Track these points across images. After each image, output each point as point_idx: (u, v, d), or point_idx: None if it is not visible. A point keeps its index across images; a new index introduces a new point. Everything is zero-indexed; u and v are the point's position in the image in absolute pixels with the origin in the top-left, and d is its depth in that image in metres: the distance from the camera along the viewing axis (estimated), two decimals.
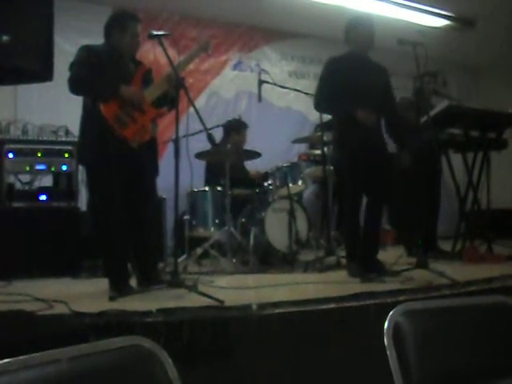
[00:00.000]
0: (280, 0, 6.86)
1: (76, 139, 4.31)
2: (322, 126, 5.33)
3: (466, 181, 5.48)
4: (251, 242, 5.14)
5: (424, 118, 4.67)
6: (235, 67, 7.83)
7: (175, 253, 3.77)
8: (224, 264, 4.95)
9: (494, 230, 5.62)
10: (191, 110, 3.59)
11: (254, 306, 2.98)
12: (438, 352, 1.53)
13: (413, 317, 1.54)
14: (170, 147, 4.71)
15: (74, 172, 4.94)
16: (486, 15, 7.38)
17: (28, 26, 2.84)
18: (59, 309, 2.94)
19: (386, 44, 4.59)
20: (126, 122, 3.61)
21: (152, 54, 6.40)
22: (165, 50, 3.61)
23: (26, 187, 4.95)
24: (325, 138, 5.37)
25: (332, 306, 3.11)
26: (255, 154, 5.58)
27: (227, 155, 5.18)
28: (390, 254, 4.97)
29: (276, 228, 5.18)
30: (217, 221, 5.36)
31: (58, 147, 4.95)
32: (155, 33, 3.69)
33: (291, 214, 5.16)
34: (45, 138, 4.96)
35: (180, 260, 4.61)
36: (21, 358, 1.11)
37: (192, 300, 3.18)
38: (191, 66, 6.07)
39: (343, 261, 4.73)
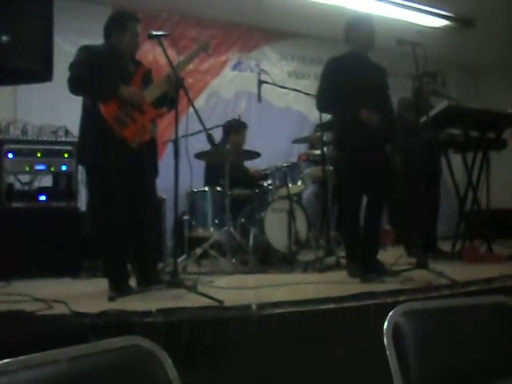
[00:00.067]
0: (280, 0, 6.86)
1: (76, 139, 4.31)
2: (322, 126, 5.33)
3: (465, 181, 5.49)
4: (251, 242, 5.13)
5: (423, 119, 4.68)
6: (235, 67, 7.83)
7: (175, 253, 3.77)
8: (223, 264, 4.95)
9: (493, 230, 5.62)
10: (191, 110, 3.59)
11: (254, 306, 2.98)
12: (437, 352, 1.53)
13: (412, 317, 1.54)
14: (170, 147, 4.70)
15: (74, 172, 4.94)
16: (485, 15, 7.38)
17: (28, 26, 2.84)
18: (59, 309, 2.94)
19: (385, 44, 4.59)
20: (125, 122, 3.61)
21: (151, 55, 6.40)
22: (164, 51, 3.61)
23: (26, 187, 4.95)
24: (324, 138, 5.36)
25: (332, 306, 3.11)
26: (255, 155, 5.58)
27: (227, 155, 5.18)
28: (390, 254, 4.97)
29: (275, 228, 5.18)
30: (216, 221, 5.36)
31: (57, 147, 4.94)
32: (155, 33, 3.69)
33: (291, 214, 5.16)
34: (44, 139, 4.95)
35: (179, 260, 4.61)
36: (20, 358, 1.11)
37: (191, 300, 3.18)
38: (191, 66, 6.06)
39: (343, 261, 4.73)
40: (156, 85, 3.85)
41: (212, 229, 5.35)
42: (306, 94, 5.51)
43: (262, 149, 5.64)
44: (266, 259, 5.30)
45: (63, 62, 3.63)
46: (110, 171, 3.62)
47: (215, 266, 5.12)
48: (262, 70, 5.78)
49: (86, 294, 3.69)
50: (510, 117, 5.29)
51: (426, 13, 7.39)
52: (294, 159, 6.48)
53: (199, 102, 7.02)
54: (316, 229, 6.01)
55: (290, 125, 7.91)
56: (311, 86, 7.54)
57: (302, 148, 7.12)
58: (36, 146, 4.88)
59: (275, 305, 3.04)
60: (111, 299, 3.28)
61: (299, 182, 5.71)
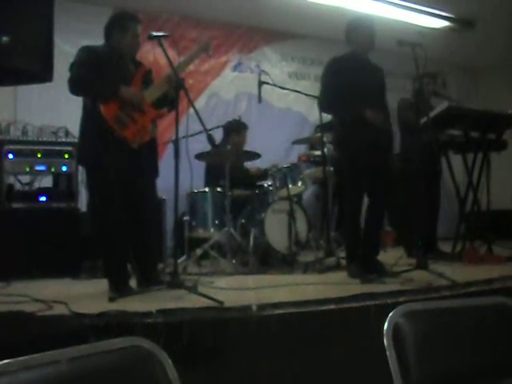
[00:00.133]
0: (280, 1, 6.86)
1: (76, 140, 4.31)
2: (322, 127, 5.33)
3: (465, 182, 5.49)
4: (251, 242, 5.13)
5: (424, 119, 4.68)
6: (235, 68, 7.83)
7: (175, 253, 3.77)
8: (224, 265, 4.95)
9: (493, 231, 5.62)
10: (191, 110, 3.59)
11: (254, 307, 2.98)
12: (437, 353, 1.53)
13: (412, 318, 1.54)
14: (170, 148, 4.72)
15: (74, 173, 4.94)
16: (485, 16, 7.38)
17: (28, 26, 2.84)
18: (59, 309, 2.94)
19: (385, 45, 4.59)
20: (126, 122, 3.61)
21: (152, 55, 6.40)
22: (164, 51, 3.61)
23: (26, 188, 4.95)
24: (325, 139, 5.36)
25: (332, 306, 3.11)
26: (255, 155, 5.58)
27: (227, 156, 5.18)
28: (390, 255, 4.97)
29: (276, 229, 5.18)
30: (216, 222, 5.36)
31: (57, 148, 4.95)
32: (155, 34, 3.69)
33: (291, 215, 5.16)
34: (45, 139, 4.96)
35: (180, 261, 4.61)
36: (20, 358, 1.11)
37: (192, 301, 3.18)
38: (191, 67, 6.07)
39: (343, 262, 4.73)
40: (156, 85, 3.85)
41: (212, 229, 5.35)
42: (306, 94, 5.51)
43: (262, 149, 5.64)
44: (266, 260, 5.30)
45: (63, 63, 3.64)
46: (110, 172, 3.62)
47: (215, 266, 5.12)
48: (263, 71, 5.78)
49: (86, 295, 3.69)
50: (511, 118, 5.29)
51: (426, 14, 7.40)
52: (294, 160, 6.48)
53: (199, 103, 7.03)
54: (316, 230, 6.01)
55: (290, 125, 7.92)
56: (311, 86, 7.56)
57: (302, 149, 7.12)
58: (36, 147, 4.88)
59: (275, 306, 3.04)
60: (111, 300, 3.28)
61: (299, 183, 5.71)
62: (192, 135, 4.43)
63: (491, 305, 1.72)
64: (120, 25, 3.79)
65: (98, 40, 3.88)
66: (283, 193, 5.47)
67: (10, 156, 4.77)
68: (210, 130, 4.04)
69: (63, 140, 5.01)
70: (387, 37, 4.53)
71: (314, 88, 6.97)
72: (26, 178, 4.99)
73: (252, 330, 2.86)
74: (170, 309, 2.90)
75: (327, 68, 4.49)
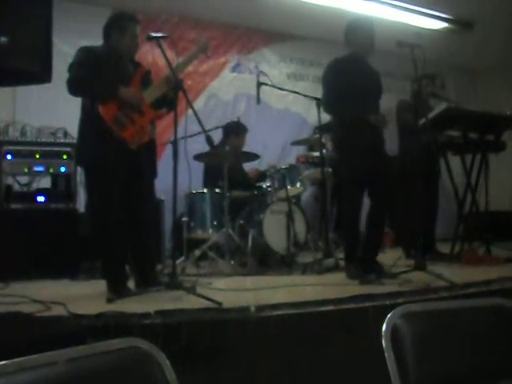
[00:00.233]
0: (279, 2, 6.87)
1: (74, 141, 4.31)
2: (321, 128, 5.33)
3: (464, 183, 5.49)
4: (249, 243, 5.13)
5: (422, 121, 4.68)
6: (234, 69, 7.83)
7: (173, 254, 3.77)
8: (222, 266, 4.95)
9: (492, 232, 5.62)
10: (190, 111, 3.59)
11: (253, 308, 2.98)
12: (436, 354, 1.53)
13: (411, 319, 1.54)
14: (169, 149, 4.70)
15: (73, 173, 4.94)
16: (484, 18, 7.39)
17: (26, 27, 2.83)
18: (57, 310, 2.94)
19: (384, 46, 4.60)
20: (124, 123, 3.61)
21: (151, 56, 6.40)
22: (163, 52, 3.61)
23: (25, 189, 4.95)
24: (323, 140, 5.37)
25: (330, 307, 3.11)
26: (254, 156, 5.58)
27: (225, 157, 5.18)
28: (389, 256, 4.97)
29: (274, 230, 5.18)
30: (215, 223, 5.36)
31: (56, 149, 4.94)
32: (154, 35, 3.69)
33: (289, 216, 5.16)
34: (43, 140, 4.95)
35: (178, 262, 4.61)
36: (18, 359, 1.11)
37: (190, 302, 3.17)
38: (190, 68, 6.06)
39: (342, 263, 4.72)
40: (155, 86, 3.85)
41: (211, 230, 5.35)
42: (304, 95, 5.51)
43: (260, 150, 5.64)
44: (265, 261, 5.30)
45: (62, 63, 3.64)
46: (109, 172, 3.61)
47: (214, 267, 5.11)
48: (261, 72, 5.78)
49: (84, 296, 3.69)
50: (509, 119, 5.30)
51: (425, 15, 7.40)
52: (293, 161, 6.49)
53: (198, 104, 7.02)
54: (315, 231, 6.01)
55: (289, 127, 7.92)
56: (310, 88, 7.58)
57: (301, 150, 7.13)
58: (35, 148, 4.88)
59: (274, 307, 3.04)
60: (109, 301, 3.27)
61: (298, 184, 5.71)
62: (191, 136, 4.43)
63: (489, 306, 1.71)
64: (119, 25, 3.79)
65: (96, 40, 3.88)
66: (282, 194, 5.46)
67: (9, 157, 4.77)
68: (209, 130, 4.05)
69: (62, 141, 5.00)
70: (386, 38, 4.53)
71: (313, 89, 7.01)
72: (24, 179, 4.99)
73: (250, 331, 2.86)
74: (169, 310, 2.90)
75: (329, 69, 4.47)
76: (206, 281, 4.27)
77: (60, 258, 4.62)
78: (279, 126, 7.86)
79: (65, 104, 4.74)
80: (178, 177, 3.53)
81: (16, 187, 4.93)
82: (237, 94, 7.75)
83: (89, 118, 3.66)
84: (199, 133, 3.92)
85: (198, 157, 5.21)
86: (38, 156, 4.86)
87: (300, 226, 5.33)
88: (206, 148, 4.67)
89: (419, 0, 7.02)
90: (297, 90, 5.99)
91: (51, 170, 4.92)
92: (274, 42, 8.13)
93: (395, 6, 7.09)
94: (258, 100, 5.32)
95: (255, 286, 4.11)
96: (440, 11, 7.39)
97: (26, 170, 4.85)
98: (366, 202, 4.45)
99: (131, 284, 3.73)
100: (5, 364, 1.09)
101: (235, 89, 7.77)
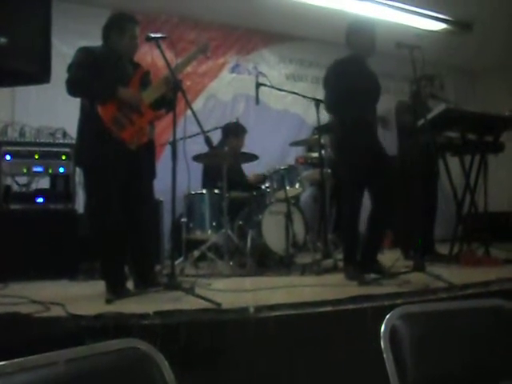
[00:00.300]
0: (278, 3, 6.87)
1: (73, 141, 4.30)
2: (320, 129, 5.33)
3: (463, 184, 5.49)
4: (248, 244, 5.13)
5: (421, 122, 4.68)
6: (233, 70, 7.83)
7: (172, 255, 3.77)
8: (221, 267, 4.95)
9: (491, 233, 5.62)
10: (189, 112, 3.59)
11: (251, 309, 2.97)
12: (434, 355, 1.53)
13: (409, 320, 1.54)
14: (168, 149, 4.71)
15: (72, 174, 4.93)
16: (483, 19, 7.40)
17: (26, 27, 2.84)
18: (56, 311, 2.93)
19: (383, 47, 4.59)
20: (123, 124, 3.61)
21: (150, 57, 6.39)
22: (162, 53, 3.60)
23: (23, 189, 4.95)
24: (322, 141, 5.37)
25: (329, 308, 3.11)
26: (252, 157, 5.58)
27: (224, 158, 5.18)
28: (387, 257, 4.97)
29: (273, 231, 5.18)
30: (214, 223, 5.36)
31: (55, 149, 4.94)
32: (153, 35, 3.69)
33: (288, 217, 5.16)
34: (42, 140, 4.95)
35: (177, 262, 4.61)
36: (17, 360, 1.11)
37: (189, 303, 3.17)
38: (189, 69, 6.07)
39: (340, 264, 4.72)
40: (154, 87, 3.85)
41: (210, 231, 5.35)
42: (303, 96, 5.51)
43: (259, 151, 5.64)
44: (264, 262, 5.30)
45: (61, 64, 3.64)
46: (108, 173, 3.61)
47: (213, 268, 5.11)
48: (260, 73, 5.78)
49: (83, 297, 3.69)
50: (508, 120, 5.30)
51: (425, 16, 7.41)
52: (292, 162, 6.49)
53: (197, 105, 7.03)
54: (313, 232, 6.01)
55: (288, 127, 7.92)
56: (309, 88, 7.59)
57: (300, 151, 7.13)
58: (34, 148, 4.88)
59: (272, 307, 3.04)
60: (108, 301, 3.27)
61: (297, 185, 5.71)
62: (190, 137, 4.44)
63: (488, 307, 1.72)
64: (118, 26, 3.79)
65: (95, 41, 3.88)
66: (281, 195, 5.46)
67: (8, 157, 4.77)
68: (208, 131, 4.05)
69: (61, 141, 5.00)
70: (385, 39, 4.53)
71: (312, 90, 7.02)
72: (23, 180, 4.99)
73: (249, 332, 2.85)
74: (167, 310, 2.90)
75: (330, 70, 4.47)
76: (205, 281, 4.26)
77: (59, 258, 4.62)
78: (278, 127, 7.86)
79: (64, 104, 4.74)
80: (176, 177, 3.52)
81: (15, 188, 4.93)
82: (236, 95, 7.75)
83: (88, 119, 3.66)
84: (198, 133, 3.92)
85: (196, 157, 5.21)
86: (36, 156, 4.86)
87: (299, 227, 5.33)
88: (204, 149, 4.66)
89: (418, 1, 7.03)
90: (296, 91, 5.99)
91: (50, 171, 4.92)
92: (273, 43, 8.14)
93: (394, 7, 7.09)
94: (257, 101, 5.32)
95: (254, 286, 4.10)
96: (439, 12, 7.40)
97: (24, 171, 4.85)
98: (366, 202, 4.45)
99: (130, 285, 3.73)
100: (4, 365, 1.09)
101: (234, 89, 7.77)
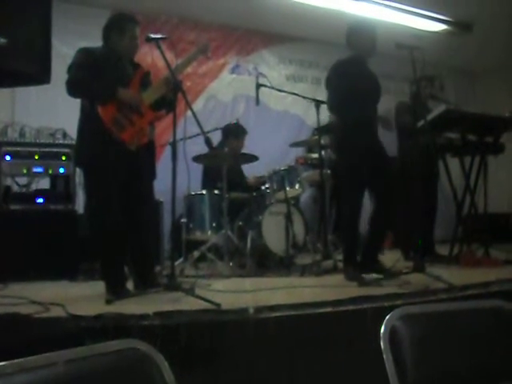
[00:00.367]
0: (278, 4, 6.87)
1: (73, 142, 4.30)
2: (320, 130, 5.33)
3: (463, 185, 5.49)
4: (248, 245, 5.13)
5: (421, 122, 4.68)
6: (233, 70, 7.83)
7: (172, 256, 3.77)
8: (221, 267, 4.95)
9: (491, 234, 5.62)
10: (189, 113, 3.59)
11: (251, 310, 2.97)
12: (434, 356, 1.53)
13: (409, 321, 1.54)
14: (168, 150, 4.71)
15: (72, 175, 4.93)
16: (483, 20, 7.40)
17: (26, 28, 2.83)
18: (56, 312, 2.93)
19: (383, 48, 4.60)
20: (123, 124, 3.61)
21: (150, 57, 6.39)
22: (162, 53, 3.60)
23: (23, 190, 4.95)
24: (322, 142, 5.36)
25: (329, 309, 3.11)
26: (252, 158, 5.57)
27: (224, 159, 5.18)
28: (388, 258, 4.97)
29: (273, 231, 5.18)
30: (214, 224, 5.35)
31: (55, 150, 4.94)
32: (153, 36, 3.69)
33: (288, 218, 5.16)
34: (42, 141, 4.95)
35: (177, 263, 4.61)
36: (16, 361, 1.11)
37: (189, 303, 3.17)
38: (189, 69, 6.07)
39: (340, 265, 4.73)
40: (154, 87, 3.85)
41: (209, 232, 5.34)
42: (303, 97, 5.51)
43: (259, 152, 5.64)
44: (264, 262, 5.30)
45: (61, 65, 3.64)
46: (108, 174, 3.61)
47: (213, 269, 5.11)
48: (260, 74, 5.78)
49: (83, 297, 3.69)
50: (508, 121, 5.30)
51: (425, 17, 7.41)
52: (292, 162, 6.48)
53: (197, 105, 7.03)
54: (313, 232, 6.01)
55: (288, 128, 7.92)
56: (309, 89, 7.60)
57: (300, 151, 7.12)
58: (34, 149, 4.87)
59: (272, 308, 3.04)
60: (108, 302, 3.27)
61: (297, 186, 5.70)
62: (190, 137, 4.44)
63: (488, 308, 1.72)
64: (118, 26, 3.79)
65: (96, 42, 3.88)
66: (280, 195, 5.46)
67: (8, 158, 4.76)
68: (208, 132, 4.05)
69: (61, 142, 5.00)
70: (385, 40, 4.53)
71: (312, 91, 7.03)
72: (23, 180, 4.99)
73: (249, 333, 2.85)
74: (167, 311, 2.90)
75: (332, 71, 4.47)
76: (205, 282, 4.26)
77: (59, 259, 4.62)
78: (278, 128, 7.86)
79: (64, 105, 4.74)
80: (176, 178, 3.53)
81: (15, 188, 4.93)
82: (236, 96, 7.76)
83: (88, 119, 3.66)
84: (198, 134, 3.92)
85: (196, 158, 5.21)
86: (36, 157, 4.86)
87: (299, 228, 5.33)
88: (204, 149, 4.66)
89: (418, 2, 7.04)
90: (296, 92, 5.99)
91: (50, 171, 4.92)
92: (273, 44, 8.14)
93: (394, 8, 7.09)
94: (257, 101, 5.32)
95: (254, 287, 4.10)
96: (439, 13, 7.40)
97: (24, 171, 4.85)
98: (366, 203, 4.45)
99: (130, 285, 3.73)
100: (3, 365, 1.09)
101: (234, 90, 7.77)
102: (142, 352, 1.25)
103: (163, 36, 3.77)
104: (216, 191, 5.44)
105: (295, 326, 2.98)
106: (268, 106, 7.63)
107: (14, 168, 4.81)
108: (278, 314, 2.98)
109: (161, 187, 4.24)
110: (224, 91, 7.72)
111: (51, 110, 5.93)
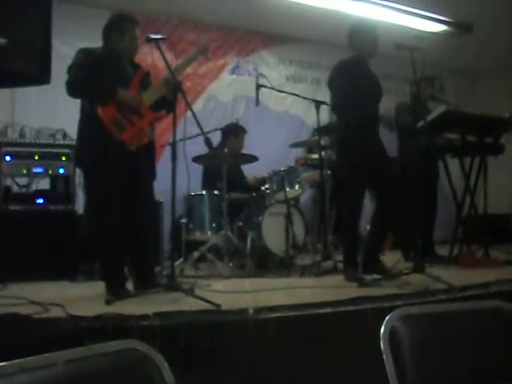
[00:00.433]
0: (278, 4, 6.87)
1: (73, 142, 4.30)
2: (320, 130, 5.33)
3: (463, 185, 5.49)
4: (248, 246, 5.13)
5: (421, 123, 4.69)
6: (233, 71, 7.83)
7: (172, 256, 3.78)
8: (221, 268, 4.95)
9: (490, 235, 5.62)
10: (189, 113, 3.59)
11: (251, 310, 2.97)
12: (434, 357, 1.53)
13: (409, 321, 1.54)
14: (168, 151, 4.71)
15: (72, 175, 4.93)
16: (483, 21, 7.40)
17: (26, 28, 2.83)
18: (55, 312, 2.93)
19: (383, 49, 4.60)
20: (123, 125, 3.61)
21: (150, 58, 6.39)
22: (162, 54, 3.60)
23: (23, 190, 4.94)
24: (322, 143, 5.36)
25: (329, 310, 3.11)
26: (252, 158, 5.57)
27: (224, 159, 5.18)
28: (388, 259, 4.96)
29: (273, 232, 5.18)
30: (214, 225, 5.35)
31: (55, 150, 4.94)
32: (153, 36, 3.69)
33: (288, 219, 5.16)
34: (42, 141, 4.95)
35: (177, 264, 4.61)
36: (16, 361, 1.11)
37: (189, 304, 3.17)
38: (189, 70, 6.07)
39: (340, 265, 4.72)
40: (154, 88, 3.85)
41: (209, 232, 5.34)
42: (303, 98, 5.51)
43: (259, 153, 5.64)
44: (264, 263, 5.30)
45: (61, 65, 3.64)
46: (108, 174, 3.61)
47: (212, 269, 5.11)
48: (260, 74, 5.77)
49: (82, 297, 3.69)
50: (508, 122, 5.30)
51: (425, 18, 7.41)
52: (292, 163, 6.48)
53: (197, 106, 7.03)
54: (313, 233, 6.01)
55: (288, 129, 7.92)
56: (309, 90, 7.60)
57: (300, 152, 7.12)
58: (34, 149, 4.87)
59: (272, 309, 3.04)
60: (108, 302, 3.27)
61: (297, 186, 5.70)
62: (189, 138, 4.44)
63: (488, 308, 1.71)
64: (118, 27, 3.79)
65: (96, 42, 3.88)
66: (280, 196, 5.46)
67: (8, 158, 4.76)
68: (208, 132, 4.05)
69: (61, 142, 5.00)
70: (386, 41, 4.53)
71: (312, 91, 7.03)
72: (23, 180, 4.99)
73: (249, 333, 2.85)
74: (167, 312, 2.90)
75: (334, 71, 4.47)
76: (205, 283, 4.26)
77: (59, 259, 4.62)
78: (278, 128, 7.86)
79: (64, 105, 4.73)
80: (176, 179, 3.53)
81: (15, 188, 4.93)
82: (236, 96, 7.76)
83: (88, 120, 3.66)
84: (198, 135, 3.93)
85: (196, 159, 5.21)
86: (36, 157, 4.85)
87: (299, 229, 5.33)
88: (204, 150, 4.67)
89: (419, 3, 7.03)
90: (296, 92, 5.99)
91: (50, 172, 4.92)
92: (273, 44, 8.14)
93: (394, 9, 7.09)
94: (257, 102, 5.32)
95: (254, 288, 4.10)
96: (439, 14, 7.40)
97: (24, 172, 4.85)
98: (366, 203, 4.45)
99: (130, 285, 3.73)
100: (3, 365, 1.09)
101: (234, 91, 7.77)
102: (142, 352, 1.25)
103: (163, 36, 3.77)
104: (216, 192, 5.43)
105: (295, 326, 2.98)
106: (268, 107, 7.62)
107: (13, 168, 4.81)
108: (277, 314, 2.98)
109: (161, 187, 4.24)
110: (224, 92, 7.72)
111: (51, 111, 5.93)
